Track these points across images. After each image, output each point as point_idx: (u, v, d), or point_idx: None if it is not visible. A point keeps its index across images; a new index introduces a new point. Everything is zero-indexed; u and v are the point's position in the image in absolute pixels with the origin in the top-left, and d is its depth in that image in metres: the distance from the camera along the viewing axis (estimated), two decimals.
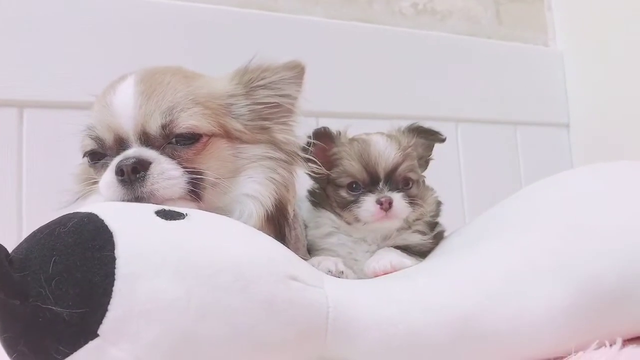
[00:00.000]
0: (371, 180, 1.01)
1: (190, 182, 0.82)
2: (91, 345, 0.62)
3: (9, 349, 0.65)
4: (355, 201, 1.01)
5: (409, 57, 1.75)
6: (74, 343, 0.62)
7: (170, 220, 0.72)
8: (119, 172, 0.78)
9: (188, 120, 0.82)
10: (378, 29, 1.72)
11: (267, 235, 0.81)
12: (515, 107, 1.91)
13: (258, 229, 0.84)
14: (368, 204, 0.99)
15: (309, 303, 0.74)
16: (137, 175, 0.78)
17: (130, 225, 0.70)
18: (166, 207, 0.75)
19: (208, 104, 0.86)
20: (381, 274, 0.93)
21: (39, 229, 0.70)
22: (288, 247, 0.87)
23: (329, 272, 0.86)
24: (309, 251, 1.06)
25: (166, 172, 0.80)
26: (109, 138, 0.84)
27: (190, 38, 1.42)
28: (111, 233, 0.67)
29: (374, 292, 0.82)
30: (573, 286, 0.84)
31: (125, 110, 0.82)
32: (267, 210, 0.86)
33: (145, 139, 0.82)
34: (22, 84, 1.23)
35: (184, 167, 0.82)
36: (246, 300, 0.68)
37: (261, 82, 0.92)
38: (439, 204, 1.14)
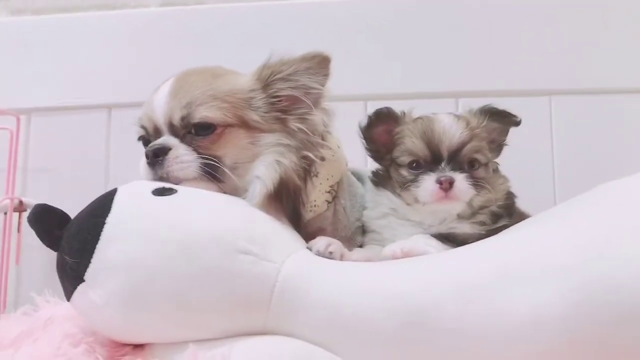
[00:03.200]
0: (433, 158, 0.98)
1: (205, 165, 0.95)
2: (80, 287, 0.84)
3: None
4: (415, 180, 0.99)
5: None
6: (74, 284, 0.85)
7: (160, 196, 0.89)
8: (147, 156, 0.97)
9: (202, 112, 0.96)
10: None
11: (246, 212, 0.91)
12: None
13: (261, 207, 0.94)
14: (428, 183, 0.96)
15: (254, 276, 0.82)
16: (158, 159, 0.95)
17: (128, 199, 0.89)
18: (167, 185, 0.92)
19: (227, 99, 0.97)
20: (391, 259, 0.92)
21: None
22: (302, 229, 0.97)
23: (318, 252, 0.90)
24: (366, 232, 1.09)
25: (180, 157, 0.95)
26: (150, 127, 1.01)
27: None
28: (111, 205, 0.87)
29: (336, 274, 0.84)
30: (571, 293, 0.71)
31: (159, 105, 0.98)
32: (268, 190, 0.94)
33: (172, 129, 0.98)
34: None
35: (199, 153, 0.96)
36: (190, 268, 0.81)
37: (279, 76, 0.99)
38: (509, 194, 1.03)
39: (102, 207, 0.88)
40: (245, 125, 0.98)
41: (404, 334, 0.76)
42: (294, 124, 0.99)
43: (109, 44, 1.62)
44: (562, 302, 0.70)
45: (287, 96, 1.00)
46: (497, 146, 1.06)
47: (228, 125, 0.97)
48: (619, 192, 0.82)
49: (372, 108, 1.43)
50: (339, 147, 1.11)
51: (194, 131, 0.97)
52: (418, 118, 1.05)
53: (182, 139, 0.97)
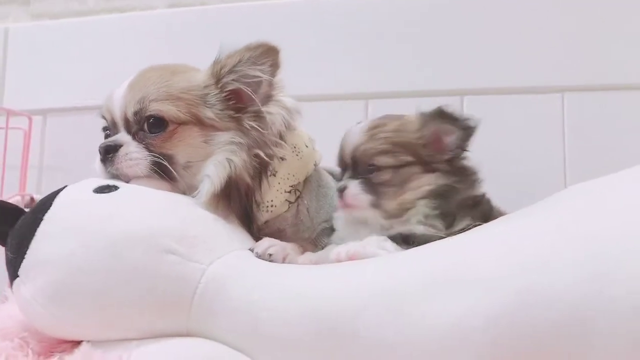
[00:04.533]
0: (343, 166, 0.98)
1: (155, 164, 0.93)
2: (15, 282, 0.84)
3: None
4: None
5: None
6: (12, 278, 0.85)
7: (100, 193, 0.88)
8: (99, 152, 0.96)
9: (154, 107, 0.94)
10: None
11: (185, 211, 0.88)
12: None
13: (209, 206, 0.91)
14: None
15: (178, 276, 0.79)
16: (109, 156, 0.94)
17: (69, 196, 0.88)
18: (111, 183, 0.90)
19: (181, 96, 0.95)
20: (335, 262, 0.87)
21: None
22: (254, 228, 0.94)
23: (257, 254, 0.86)
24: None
25: (130, 154, 0.93)
26: (109, 120, 1.00)
27: None
28: (52, 202, 0.87)
29: (261, 277, 0.79)
30: (494, 304, 0.63)
31: (117, 98, 0.97)
32: (216, 189, 0.91)
33: (127, 125, 0.97)
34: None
35: (149, 151, 0.94)
36: (115, 265, 0.79)
37: (226, 69, 0.96)
38: (439, 194, 0.93)
39: (44, 203, 0.88)
40: (199, 123, 0.96)
41: (321, 342, 0.71)
42: (248, 122, 0.96)
43: (119, 46, 1.65)
44: (484, 313, 0.62)
45: (235, 90, 0.97)
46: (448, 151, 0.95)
47: (181, 123, 0.95)
48: (570, 197, 0.73)
49: (373, 107, 1.36)
50: (307, 145, 1.06)
51: (147, 128, 0.96)
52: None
53: (135, 135, 0.96)
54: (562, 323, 0.59)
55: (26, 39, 1.71)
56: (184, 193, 0.95)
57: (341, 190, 0.92)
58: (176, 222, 0.85)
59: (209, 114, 0.96)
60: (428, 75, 1.44)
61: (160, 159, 0.93)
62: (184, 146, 0.95)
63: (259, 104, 0.96)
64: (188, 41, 1.62)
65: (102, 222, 0.82)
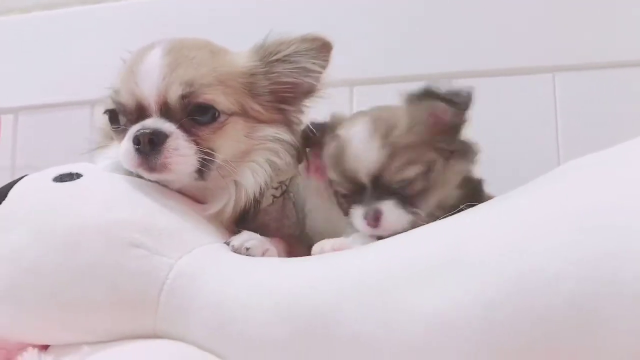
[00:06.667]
0: (355, 189, 0.83)
1: (201, 161, 0.82)
2: None
3: None
4: (348, 209, 0.85)
5: None
6: None
7: (60, 182, 0.81)
8: (136, 141, 0.80)
9: (208, 94, 0.82)
10: None
11: (153, 201, 0.81)
12: None
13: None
14: (357, 219, 0.82)
15: (143, 272, 0.72)
16: (153, 147, 0.80)
17: (26, 187, 0.82)
18: (73, 170, 0.83)
19: (230, 83, 0.86)
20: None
21: None
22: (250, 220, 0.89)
23: (233, 248, 0.79)
24: None
25: (180, 149, 0.81)
26: (131, 104, 0.84)
27: None
28: (8, 192, 0.80)
29: (233, 271, 0.72)
30: (485, 292, 0.56)
31: (150, 79, 0.82)
32: (248, 200, 0.86)
33: (165, 110, 0.82)
34: None
35: (198, 145, 0.82)
36: (71, 261, 0.72)
37: (278, 56, 0.89)
38: (466, 182, 0.87)
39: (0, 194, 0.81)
40: (244, 114, 0.87)
41: (297, 342, 0.64)
42: (295, 116, 0.90)
43: (91, 39, 1.57)
44: (473, 303, 0.55)
45: (289, 82, 0.90)
46: (453, 128, 0.87)
47: (231, 114, 0.85)
48: (566, 172, 0.67)
49: (358, 94, 1.29)
50: None
51: (194, 117, 0.83)
52: (334, 135, 0.87)
53: (180, 124, 0.82)
54: (564, 310, 0.53)
55: None
56: (202, 193, 0.88)
57: (368, 219, 0.80)
58: (142, 213, 0.78)
59: (254, 105, 0.88)
60: (414, 60, 1.37)
61: (208, 155, 0.82)
62: (229, 141, 0.85)
63: (310, 99, 0.91)
64: (163, 31, 1.55)
65: (57, 213, 0.76)
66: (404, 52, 1.39)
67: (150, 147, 0.80)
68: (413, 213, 0.80)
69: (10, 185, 0.82)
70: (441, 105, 0.84)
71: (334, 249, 0.79)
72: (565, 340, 0.52)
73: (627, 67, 1.26)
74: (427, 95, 0.85)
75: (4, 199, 0.79)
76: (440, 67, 1.36)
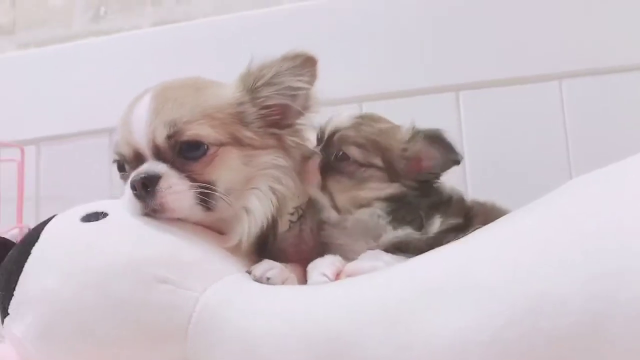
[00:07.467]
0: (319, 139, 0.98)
1: (200, 194, 0.85)
2: (6, 320, 0.81)
3: None
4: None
5: None
6: (2, 316, 0.82)
7: (87, 222, 0.85)
8: (133, 187, 0.84)
9: (192, 130, 0.85)
10: None
11: (177, 236, 0.83)
12: None
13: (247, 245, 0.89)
14: None
15: (171, 306, 0.75)
16: (148, 190, 0.83)
17: (56, 227, 0.85)
18: (99, 210, 0.87)
19: (216, 115, 0.87)
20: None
21: None
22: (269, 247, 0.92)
23: (254, 277, 0.82)
24: None
25: (174, 187, 0.84)
26: (129, 153, 0.89)
27: None
28: (40, 234, 0.84)
29: (257, 301, 0.76)
30: (497, 315, 0.59)
31: (139, 126, 0.86)
32: (262, 227, 0.89)
33: (157, 153, 0.86)
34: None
35: (192, 180, 0.85)
36: (101, 300, 0.75)
37: (263, 81, 0.90)
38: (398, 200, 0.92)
39: (31, 236, 0.85)
40: (238, 143, 0.89)
41: None
42: (290, 139, 0.91)
43: (107, 68, 1.63)
44: (490, 324, 0.58)
45: (277, 105, 0.91)
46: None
47: (221, 145, 0.87)
48: (575, 190, 0.69)
49: (367, 110, 1.33)
50: None
51: (184, 154, 0.86)
52: None
53: (172, 164, 0.86)
54: (573, 330, 0.55)
55: (13, 69, 1.69)
56: (219, 225, 0.90)
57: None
58: (166, 248, 0.81)
59: (247, 133, 0.89)
60: (421, 73, 1.40)
61: (206, 188, 0.85)
62: (226, 170, 0.88)
63: (303, 117, 0.91)
64: (176, 57, 1.60)
65: (90, 254, 0.79)
66: (412, 65, 1.42)
67: (145, 190, 0.83)
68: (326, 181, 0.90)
69: (41, 227, 0.85)
70: (434, 153, 0.91)
71: (346, 274, 0.82)
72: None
73: (634, 71, 1.28)
74: (433, 138, 0.91)
75: (36, 241, 0.83)
76: (447, 79, 1.39)
